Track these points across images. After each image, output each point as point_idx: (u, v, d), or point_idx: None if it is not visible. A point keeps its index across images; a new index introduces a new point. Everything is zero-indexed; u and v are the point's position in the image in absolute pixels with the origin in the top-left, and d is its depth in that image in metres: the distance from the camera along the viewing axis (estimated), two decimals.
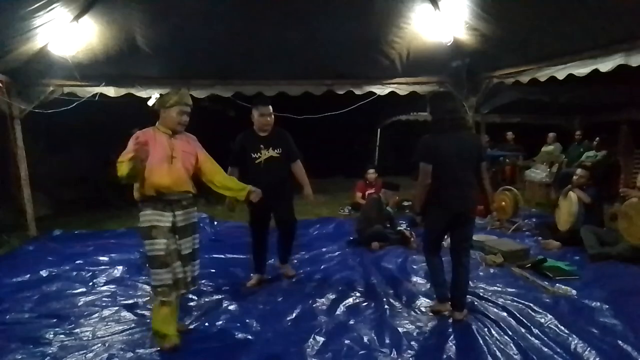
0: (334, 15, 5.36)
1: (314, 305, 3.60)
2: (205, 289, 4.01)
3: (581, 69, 5.08)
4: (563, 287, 3.80)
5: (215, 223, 6.75)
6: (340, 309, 3.53)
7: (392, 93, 6.91)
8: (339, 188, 9.84)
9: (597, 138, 8.76)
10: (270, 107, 3.96)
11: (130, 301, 3.78)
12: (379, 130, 13.28)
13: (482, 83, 6.84)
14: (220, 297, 3.81)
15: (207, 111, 10.35)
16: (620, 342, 2.84)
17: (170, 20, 5.17)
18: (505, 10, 5.00)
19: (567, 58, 5.24)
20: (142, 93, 6.14)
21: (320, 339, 3.01)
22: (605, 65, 4.78)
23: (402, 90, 6.88)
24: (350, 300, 3.69)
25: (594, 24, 4.56)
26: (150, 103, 6.48)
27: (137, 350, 2.91)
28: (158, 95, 6.22)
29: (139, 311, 3.56)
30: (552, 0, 4.54)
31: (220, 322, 3.32)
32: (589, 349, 2.76)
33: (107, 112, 7.19)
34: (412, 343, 2.94)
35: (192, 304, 3.68)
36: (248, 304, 3.65)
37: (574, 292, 3.70)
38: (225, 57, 5.86)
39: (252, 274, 4.17)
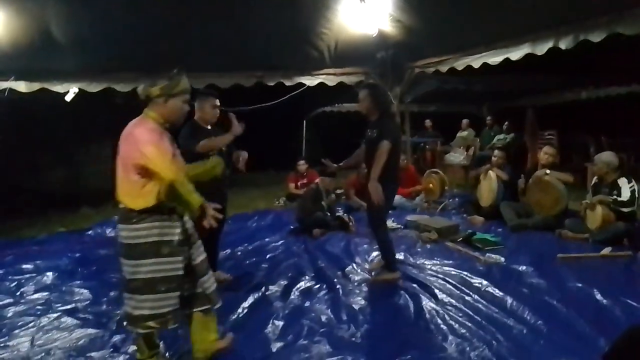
0: (263, 6, 5.34)
1: (266, 293, 3.63)
2: None
3: (494, 58, 5.54)
4: (493, 256, 4.18)
5: None
6: (294, 293, 3.60)
7: (321, 84, 7.03)
8: (271, 181, 9.86)
9: (506, 122, 9.63)
10: None
11: (69, 306, 3.54)
12: (304, 122, 13.41)
13: (406, 73, 7.20)
14: None
15: (121, 108, 9.83)
16: (546, 297, 3.23)
17: (91, 10, 4.85)
18: (426, 2, 5.33)
19: (481, 48, 5.68)
20: (58, 88, 5.68)
21: (279, 323, 3.06)
22: (515, 54, 5.26)
23: (331, 81, 7.03)
24: (302, 284, 3.77)
25: (505, 16, 5.00)
26: (68, 98, 6.05)
27: (90, 354, 2.77)
28: (77, 90, 5.88)
29: (81, 315, 3.35)
30: None
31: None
32: (522, 306, 3.10)
33: (18, 110, 6.61)
34: (368, 317, 3.10)
35: None
36: None
37: (502, 259, 4.10)
38: (150, 49, 5.58)
39: None
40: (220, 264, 4.44)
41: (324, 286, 3.69)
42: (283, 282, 3.82)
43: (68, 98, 5.94)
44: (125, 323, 2.54)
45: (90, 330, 3.08)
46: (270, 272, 4.14)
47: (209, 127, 3.72)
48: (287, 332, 2.95)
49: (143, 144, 2.30)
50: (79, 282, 4.10)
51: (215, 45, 5.83)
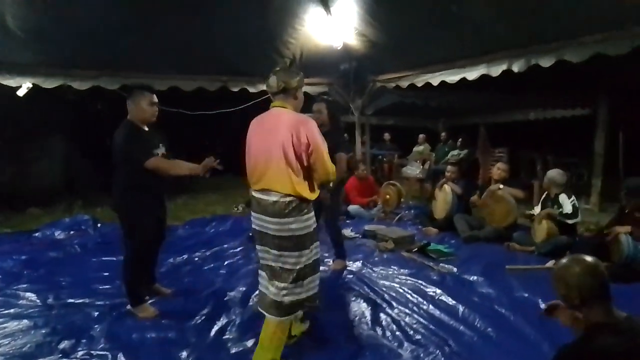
0: (231, 10, 5.33)
1: (225, 300, 3.60)
2: (105, 292, 3.75)
3: (452, 77, 5.80)
4: (446, 265, 4.35)
5: (99, 225, 6.25)
6: (253, 299, 3.57)
7: None
8: (230, 185, 9.76)
9: (460, 139, 10.02)
10: None
11: (14, 311, 3.38)
12: None
13: (367, 86, 7.38)
14: (122, 299, 3.56)
15: (74, 105, 9.48)
16: (496, 306, 3.39)
17: (51, 1, 4.67)
18: (390, 19, 5.51)
19: (441, 66, 5.93)
20: (10, 82, 5.41)
21: (238, 330, 3.06)
22: (471, 74, 5.53)
23: None
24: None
25: (463, 38, 5.25)
26: (21, 93, 5.77)
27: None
28: (30, 85, 5.63)
29: (27, 320, 3.20)
30: (430, 13, 5.12)
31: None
32: (472, 313, 3.25)
33: None
34: (325, 323, 3.12)
35: (90, 310, 3.40)
36: (157, 304, 3.48)
37: (455, 269, 4.27)
38: (112, 46, 5.43)
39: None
40: (177, 269, 4.40)
41: None
42: (242, 289, 3.80)
43: (21, 93, 5.67)
44: (287, 313, 2.51)
45: (37, 336, 2.95)
46: (229, 278, 4.12)
47: (146, 128, 3.35)
48: (246, 338, 2.94)
49: (315, 135, 2.43)
50: (25, 285, 3.93)
51: (180, 47, 5.75)
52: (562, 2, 4.13)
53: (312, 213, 2.54)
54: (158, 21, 5.24)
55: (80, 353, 2.75)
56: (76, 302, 3.52)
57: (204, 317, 3.26)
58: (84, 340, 2.90)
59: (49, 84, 5.48)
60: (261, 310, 2.58)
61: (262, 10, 5.45)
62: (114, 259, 4.72)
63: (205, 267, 4.49)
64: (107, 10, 4.94)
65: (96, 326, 3.10)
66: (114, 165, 3.25)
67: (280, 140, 2.39)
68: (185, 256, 4.78)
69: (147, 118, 3.32)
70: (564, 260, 1.81)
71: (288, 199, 2.41)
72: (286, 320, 2.53)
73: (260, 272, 2.65)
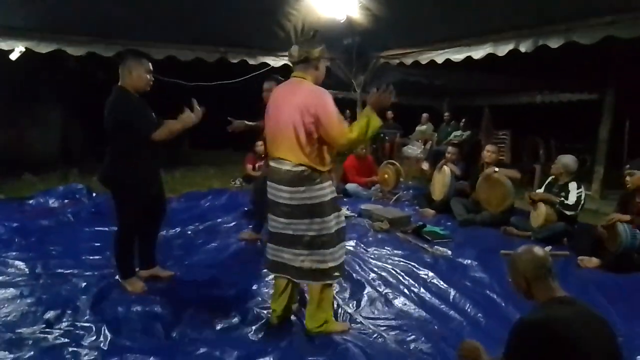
0: None
1: (214, 274, 3.57)
2: (94, 264, 3.71)
3: (457, 55, 5.66)
4: (440, 248, 4.30)
5: (94, 195, 6.21)
6: (242, 276, 3.55)
7: (285, 65, 6.92)
8: (228, 160, 9.68)
9: (463, 119, 9.88)
10: None
11: (4, 278, 3.34)
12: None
13: (370, 62, 7.21)
14: (111, 270, 3.53)
15: (74, 73, 9.33)
16: (488, 291, 3.35)
17: None
18: None
19: (446, 44, 5.77)
20: (1, 45, 5.28)
21: (226, 307, 3.02)
22: (477, 53, 5.39)
23: None
24: (250, 267, 3.72)
25: (470, 15, 5.08)
26: (13, 57, 5.65)
27: (19, 330, 2.63)
28: (23, 49, 5.50)
29: (13, 289, 3.15)
30: None
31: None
32: (464, 298, 3.21)
33: None
34: None
35: (78, 281, 3.35)
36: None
37: (449, 252, 4.22)
38: (106, 12, 5.28)
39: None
40: (168, 242, 4.35)
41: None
42: (231, 264, 3.78)
43: (13, 57, 5.54)
44: (309, 278, 2.60)
45: (22, 305, 2.91)
46: (219, 254, 4.08)
47: (138, 96, 3.15)
48: (232, 315, 2.92)
49: (325, 106, 2.42)
50: (14, 253, 3.89)
51: (178, 16, 5.59)
52: None
53: (327, 183, 2.55)
54: None
55: (64, 324, 2.72)
56: (64, 272, 3.47)
57: (190, 293, 3.21)
58: (69, 311, 2.86)
59: (42, 48, 5.36)
60: (275, 274, 2.73)
61: None
62: (107, 229, 4.68)
63: (197, 241, 4.44)
64: None
65: (83, 297, 3.04)
66: (107, 134, 3.10)
67: (292, 110, 2.44)
68: (177, 229, 4.73)
69: (142, 87, 3.15)
70: (514, 252, 2.04)
71: (300, 168, 2.46)
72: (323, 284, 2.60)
73: (270, 242, 2.70)
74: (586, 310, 1.82)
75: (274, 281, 2.84)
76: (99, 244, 4.18)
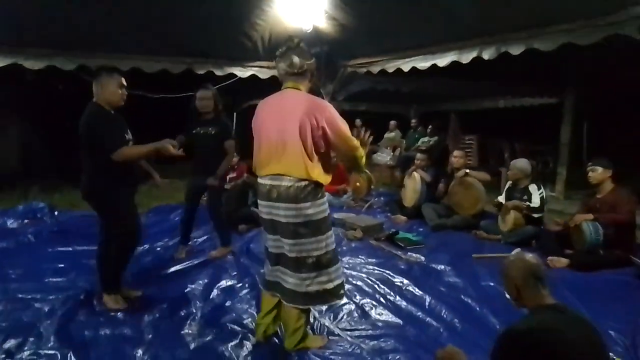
0: None
1: (186, 291, 3.46)
2: (58, 286, 3.54)
3: (423, 63, 5.71)
4: (414, 254, 4.32)
5: (57, 213, 5.96)
6: (215, 291, 3.48)
7: (253, 76, 6.87)
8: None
9: (430, 126, 10.04)
10: None
11: None
12: (234, 114, 13.11)
13: (339, 71, 7.24)
14: (77, 292, 3.38)
15: (33, 87, 9.00)
16: (462, 296, 3.38)
17: None
18: (362, 3, 5.35)
19: (412, 52, 5.84)
20: None
21: (199, 323, 2.94)
22: (442, 61, 5.45)
23: (264, 73, 6.88)
24: (224, 283, 3.65)
25: (434, 24, 5.16)
26: None
27: None
28: None
29: None
30: None
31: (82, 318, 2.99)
32: (439, 304, 3.23)
33: None
34: None
35: (41, 305, 3.19)
36: None
37: (422, 258, 4.25)
38: (66, 23, 5.09)
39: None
40: (136, 260, 4.16)
41: (247, 284, 3.59)
42: (204, 281, 3.67)
43: None
44: (317, 302, 2.54)
45: None
46: (191, 269, 3.97)
47: (112, 112, 3.14)
48: (207, 333, 2.83)
49: (333, 119, 2.35)
50: None
51: (142, 26, 5.45)
52: None
53: (325, 198, 2.48)
54: None
55: (26, 353, 2.57)
56: (26, 297, 3.28)
57: (162, 312, 3.10)
58: (31, 339, 2.70)
59: None
60: (277, 297, 2.59)
61: None
62: (70, 249, 4.54)
63: (167, 257, 4.31)
64: None
65: (46, 322, 2.90)
66: (82, 151, 3.04)
67: (296, 123, 2.31)
68: (146, 246, 4.58)
69: (115, 101, 3.12)
70: (507, 259, 2.06)
71: (303, 183, 2.34)
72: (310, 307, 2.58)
73: (268, 263, 2.61)
74: (576, 318, 1.83)
75: (262, 297, 2.75)
76: (62, 265, 4.01)
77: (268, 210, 2.46)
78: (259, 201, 2.53)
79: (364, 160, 2.54)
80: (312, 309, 2.73)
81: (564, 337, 1.68)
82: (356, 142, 2.46)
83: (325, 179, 2.43)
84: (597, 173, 4.14)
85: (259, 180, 2.51)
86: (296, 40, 2.53)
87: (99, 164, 3.00)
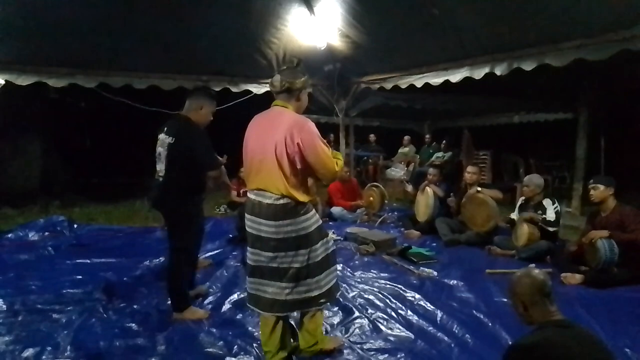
0: (211, 9, 5.25)
1: (197, 304, 3.50)
2: (75, 297, 3.61)
3: (436, 79, 5.79)
4: (426, 269, 4.31)
5: (75, 226, 6.10)
6: (227, 305, 3.51)
7: (268, 93, 6.98)
8: (214, 187, 9.61)
9: (444, 141, 10.05)
10: None
11: None
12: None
13: (351, 88, 7.34)
14: (94, 304, 3.45)
15: (55, 104, 9.29)
16: (474, 311, 3.35)
17: None
18: (374, 21, 5.48)
19: (424, 69, 5.91)
20: None
21: (211, 336, 2.98)
22: (455, 77, 5.52)
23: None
24: (235, 297, 3.67)
25: (446, 40, 5.23)
26: None
27: None
28: (3, 82, 5.47)
29: None
30: (413, 16, 5.09)
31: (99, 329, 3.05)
32: (451, 319, 3.20)
33: None
34: None
35: (58, 317, 3.27)
36: (129, 308, 3.40)
37: (435, 273, 4.23)
38: (88, 43, 5.31)
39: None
40: (152, 272, 4.28)
41: None
42: (217, 293, 3.72)
43: None
44: (296, 308, 2.57)
45: (0, 344, 2.83)
46: (203, 282, 4.00)
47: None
48: (219, 344, 2.86)
49: (311, 137, 2.36)
50: None
51: (160, 45, 5.66)
52: (543, 8, 4.13)
53: (311, 212, 2.51)
54: (137, 19, 5.15)
55: None
56: (44, 307, 3.38)
57: (175, 324, 3.15)
58: (48, 348, 2.77)
59: (22, 80, 5.34)
60: (260, 311, 2.55)
61: (244, 10, 5.38)
62: (88, 261, 4.63)
63: None
64: (84, 7, 4.82)
65: (63, 333, 2.97)
66: (171, 166, 3.11)
67: (274, 140, 2.35)
68: (162, 259, 4.64)
69: (204, 123, 3.29)
70: (514, 276, 2.07)
71: (282, 201, 2.38)
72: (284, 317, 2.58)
73: (251, 277, 2.56)
74: (583, 334, 1.82)
75: (260, 322, 2.64)
76: (80, 277, 4.10)
77: (251, 224, 2.49)
78: (245, 214, 2.55)
79: (336, 172, 2.52)
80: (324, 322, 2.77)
81: (569, 353, 1.68)
82: (332, 160, 2.44)
83: (304, 197, 2.44)
84: (599, 191, 4.09)
85: (247, 194, 2.56)
86: (295, 60, 2.61)
87: (191, 181, 3.16)
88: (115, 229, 6.27)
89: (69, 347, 2.79)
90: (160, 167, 3.17)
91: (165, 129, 3.18)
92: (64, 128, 9.89)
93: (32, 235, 5.58)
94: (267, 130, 2.42)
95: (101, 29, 5.11)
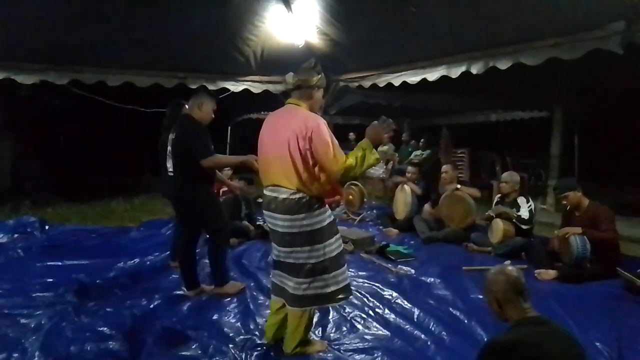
0: (187, 3, 5.15)
1: (173, 306, 3.44)
2: (46, 301, 3.50)
3: (413, 77, 5.80)
4: (404, 267, 4.33)
5: (47, 227, 5.94)
6: (204, 305, 3.46)
7: (245, 90, 6.93)
8: None
9: (422, 139, 10.12)
10: None
11: None
12: (229, 128, 13.17)
13: (331, 86, 7.31)
14: (66, 307, 3.35)
15: (31, 101, 9.05)
16: (451, 308, 3.38)
17: None
18: (352, 19, 5.46)
19: (402, 67, 5.93)
20: None
21: (186, 336, 2.93)
22: (432, 75, 5.53)
23: (256, 88, 6.94)
24: (213, 297, 3.62)
25: (423, 39, 5.25)
26: None
27: None
28: None
29: None
30: (391, 15, 5.09)
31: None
32: (428, 317, 3.23)
33: None
34: None
35: (27, 321, 3.16)
36: (101, 311, 3.31)
37: (412, 271, 4.26)
38: (59, 39, 5.16)
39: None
40: (126, 274, 4.18)
41: (234, 299, 3.56)
42: (193, 296, 3.66)
43: None
44: (313, 304, 2.62)
45: None
46: (179, 284, 3.92)
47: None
48: (194, 346, 2.82)
49: (320, 133, 2.41)
50: None
51: (134, 41, 5.52)
52: (518, 8, 4.17)
53: (325, 207, 2.59)
54: (110, 13, 5.01)
55: None
56: (12, 312, 3.26)
57: (150, 326, 3.08)
58: (15, 355, 2.68)
59: None
60: (283, 301, 2.69)
61: (220, 5, 5.28)
62: (60, 263, 4.50)
63: (156, 272, 4.29)
64: (54, 1, 4.68)
65: (32, 338, 2.86)
66: (177, 159, 3.42)
67: (287, 137, 2.45)
68: (137, 260, 4.57)
69: (205, 121, 3.54)
70: (488, 273, 2.07)
71: (297, 195, 2.46)
72: (309, 310, 2.63)
73: (275, 269, 2.74)
74: (557, 331, 1.84)
75: (271, 307, 2.86)
76: (51, 280, 3.97)
77: (268, 219, 2.63)
78: (263, 211, 2.66)
79: (354, 169, 2.46)
80: (313, 314, 2.75)
81: (543, 350, 1.69)
82: (341, 157, 2.43)
83: (319, 191, 2.52)
84: (570, 198, 4.17)
85: (264, 191, 2.65)
86: (313, 60, 2.75)
87: (201, 172, 3.35)
88: (89, 229, 6.11)
89: (37, 353, 2.70)
90: (170, 164, 3.49)
91: (173, 128, 3.52)
92: (37, 126, 9.63)
93: (1, 237, 5.39)
94: (281, 128, 2.52)
95: (72, 24, 4.96)
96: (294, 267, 2.55)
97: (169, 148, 3.52)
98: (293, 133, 2.42)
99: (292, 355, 2.65)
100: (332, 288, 2.56)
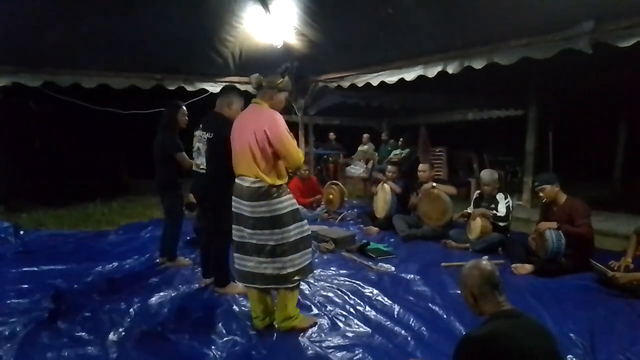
0: (165, 5, 5.10)
1: (152, 311, 3.41)
2: (21, 308, 3.42)
3: (391, 77, 5.86)
4: (384, 265, 4.38)
5: (22, 232, 5.80)
6: (185, 307, 3.44)
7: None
8: None
9: (401, 138, 10.23)
10: None
11: None
12: None
13: (309, 86, 7.34)
14: (42, 313, 3.29)
15: (2, 104, 8.79)
16: (430, 304, 3.44)
17: None
18: (330, 20, 5.48)
19: (380, 67, 5.98)
20: None
21: (166, 337, 2.91)
22: (409, 75, 5.60)
23: None
24: (194, 299, 3.61)
25: (400, 40, 5.31)
26: None
27: None
28: None
29: None
30: (368, 15, 5.13)
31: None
32: (407, 313, 3.27)
33: None
34: None
35: (1, 329, 3.09)
36: (79, 316, 3.26)
37: (392, 268, 4.31)
38: (33, 40, 5.05)
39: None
40: (104, 278, 4.11)
41: (219, 298, 3.56)
42: (173, 296, 3.64)
43: None
44: (272, 283, 2.88)
45: None
46: (159, 287, 3.88)
47: None
48: (174, 351, 2.79)
49: (277, 128, 2.75)
50: None
51: (111, 42, 5.44)
52: (492, 9, 4.25)
53: (286, 196, 2.84)
54: (84, 14, 4.93)
55: None
56: None
57: (128, 330, 3.05)
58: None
59: None
60: (242, 284, 3.03)
61: (197, 5, 5.25)
62: (36, 269, 4.40)
63: (135, 275, 4.23)
64: (26, 2, 4.58)
65: (6, 346, 2.80)
66: (211, 158, 3.45)
67: (248, 132, 2.78)
68: (115, 264, 4.51)
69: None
70: (463, 268, 2.10)
71: (257, 184, 2.77)
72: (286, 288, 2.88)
73: (236, 252, 2.95)
74: (531, 323, 1.88)
75: (247, 292, 3.07)
76: (26, 286, 3.89)
77: (235, 204, 2.90)
78: (232, 197, 2.93)
79: (300, 161, 2.92)
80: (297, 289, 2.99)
81: (518, 343, 1.73)
82: (296, 150, 2.85)
83: (276, 180, 2.81)
84: (547, 191, 4.28)
85: (235, 180, 2.93)
86: (285, 66, 3.18)
87: (228, 168, 3.25)
88: (66, 234, 5.98)
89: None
90: (202, 161, 3.54)
91: (202, 125, 3.56)
92: (11, 128, 9.38)
93: None
94: (246, 124, 2.85)
95: (44, 25, 4.86)
96: (256, 247, 2.82)
97: (199, 145, 3.55)
98: (253, 128, 2.76)
99: (283, 329, 2.94)
100: (289, 270, 2.82)
